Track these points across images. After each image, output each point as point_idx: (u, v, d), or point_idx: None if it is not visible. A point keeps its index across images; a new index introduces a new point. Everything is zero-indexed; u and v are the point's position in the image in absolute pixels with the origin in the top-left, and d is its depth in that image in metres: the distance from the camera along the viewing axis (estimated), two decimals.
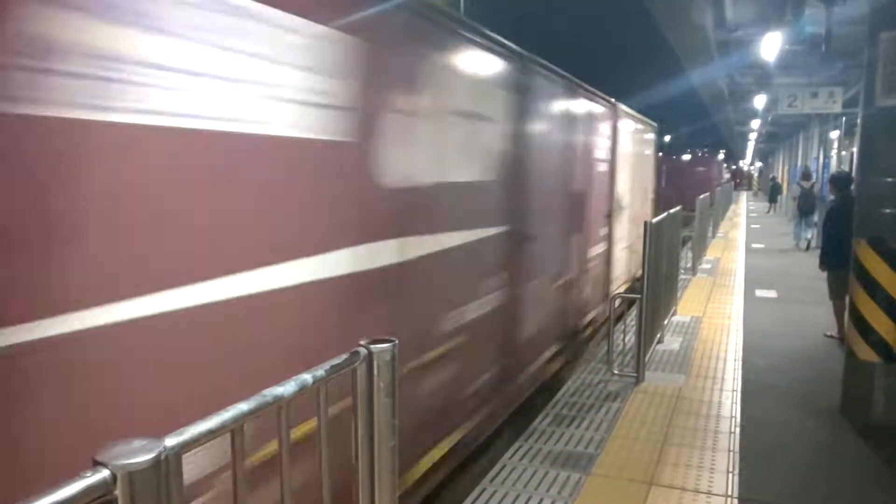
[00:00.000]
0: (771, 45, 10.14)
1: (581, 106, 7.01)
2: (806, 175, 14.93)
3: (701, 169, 33.50)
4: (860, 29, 6.02)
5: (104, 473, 1.04)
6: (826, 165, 15.86)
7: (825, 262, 6.66)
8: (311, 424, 1.72)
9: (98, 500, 1.03)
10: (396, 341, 1.76)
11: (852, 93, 13.21)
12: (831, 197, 7.16)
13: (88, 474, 1.03)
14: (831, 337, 6.57)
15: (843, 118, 15.08)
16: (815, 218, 13.83)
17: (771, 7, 9.55)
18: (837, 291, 6.36)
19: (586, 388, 5.04)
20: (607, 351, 5.55)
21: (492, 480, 3.52)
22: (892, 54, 4.20)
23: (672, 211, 6.45)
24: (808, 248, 13.87)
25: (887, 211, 4.31)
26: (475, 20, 4.22)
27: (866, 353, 4.40)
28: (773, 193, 27.08)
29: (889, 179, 4.29)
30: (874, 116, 4.41)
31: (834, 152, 16.80)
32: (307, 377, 1.53)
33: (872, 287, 4.37)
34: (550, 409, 4.59)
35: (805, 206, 14.05)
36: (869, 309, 4.38)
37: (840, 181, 6.78)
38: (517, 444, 4.00)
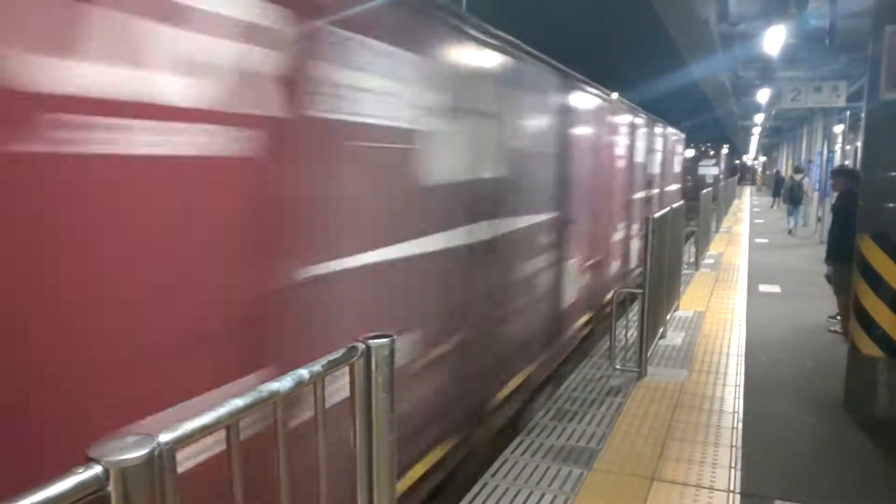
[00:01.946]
0: (774, 39, 10.06)
1: None
2: (798, 169, 17.21)
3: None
4: (864, 22, 5.96)
5: (97, 469, 1.02)
6: (830, 160, 15.84)
7: (830, 257, 6.62)
8: None
9: (91, 496, 1.02)
10: (395, 336, 1.74)
11: (856, 87, 13.10)
12: (835, 192, 7.12)
13: (81, 470, 1.01)
14: (835, 332, 6.55)
15: (847, 112, 15.00)
16: (802, 207, 16.51)
17: (774, 0, 9.48)
18: (842, 287, 6.32)
19: (588, 382, 5.03)
20: (609, 346, 5.54)
21: (493, 475, 3.51)
22: None
23: (675, 205, 6.42)
24: (791, 232, 16.04)
25: (891, 205, 4.28)
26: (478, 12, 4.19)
27: (869, 348, 4.38)
28: (776, 188, 27.01)
29: (893, 174, 4.26)
30: (878, 110, 4.38)
31: (838, 147, 16.80)
32: (304, 372, 1.52)
33: (876, 282, 4.34)
34: (552, 404, 4.58)
35: (793, 196, 16.25)
36: (872, 304, 4.36)
37: (845, 175, 6.73)
38: (518, 439, 3.99)
